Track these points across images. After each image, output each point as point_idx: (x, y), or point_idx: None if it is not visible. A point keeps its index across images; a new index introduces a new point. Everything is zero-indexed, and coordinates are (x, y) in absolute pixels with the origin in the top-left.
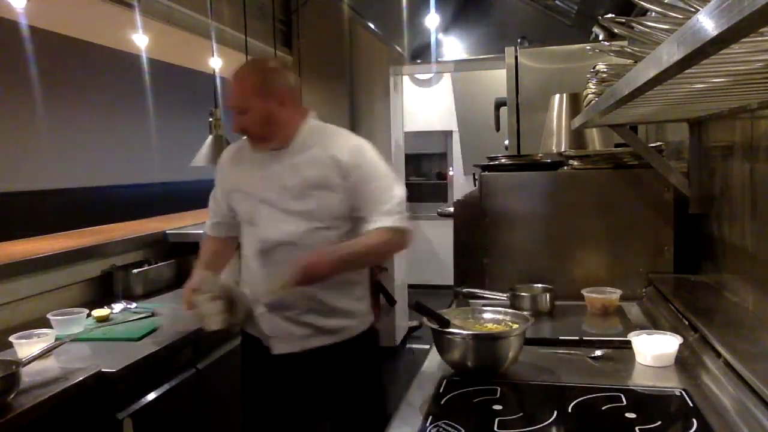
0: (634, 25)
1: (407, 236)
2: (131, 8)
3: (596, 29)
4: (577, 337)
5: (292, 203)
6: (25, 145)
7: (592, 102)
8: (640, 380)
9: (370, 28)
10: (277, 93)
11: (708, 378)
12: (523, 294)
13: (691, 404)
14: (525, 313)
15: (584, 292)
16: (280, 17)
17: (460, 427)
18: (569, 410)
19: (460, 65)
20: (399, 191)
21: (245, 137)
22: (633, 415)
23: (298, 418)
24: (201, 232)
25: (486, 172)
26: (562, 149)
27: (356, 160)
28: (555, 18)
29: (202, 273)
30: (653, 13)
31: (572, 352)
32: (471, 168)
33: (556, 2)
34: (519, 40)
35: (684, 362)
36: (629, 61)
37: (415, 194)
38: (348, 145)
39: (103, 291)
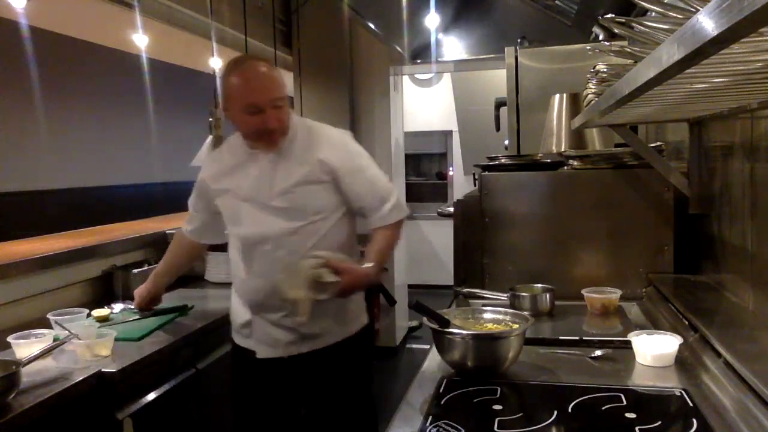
0: (634, 25)
1: (402, 225)
2: (131, 8)
3: (596, 29)
4: (577, 337)
5: (276, 201)
6: (24, 145)
7: (592, 102)
8: (640, 380)
9: (370, 28)
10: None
11: (708, 378)
12: (523, 294)
13: (691, 404)
14: (525, 313)
15: (584, 292)
16: (280, 17)
17: (460, 427)
18: (569, 410)
19: (460, 65)
20: (386, 180)
21: (237, 136)
22: (633, 415)
23: (283, 423)
24: None
25: (486, 172)
26: (562, 149)
27: (342, 156)
28: (555, 18)
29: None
30: (653, 13)
31: (572, 352)
32: (471, 168)
33: (556, 2)
34: (519, 40)
35: (684, 362)
36: (629, 61)
37: (415, 194)
38: (331, 142)
39: (103, 291)
